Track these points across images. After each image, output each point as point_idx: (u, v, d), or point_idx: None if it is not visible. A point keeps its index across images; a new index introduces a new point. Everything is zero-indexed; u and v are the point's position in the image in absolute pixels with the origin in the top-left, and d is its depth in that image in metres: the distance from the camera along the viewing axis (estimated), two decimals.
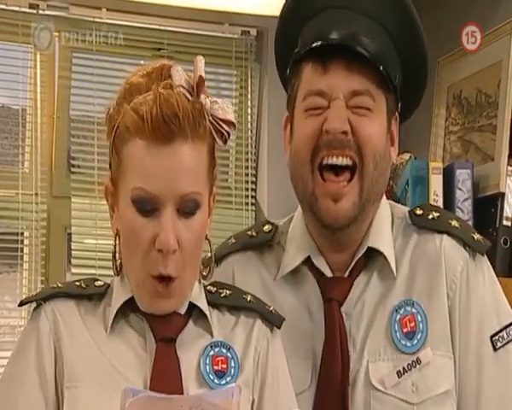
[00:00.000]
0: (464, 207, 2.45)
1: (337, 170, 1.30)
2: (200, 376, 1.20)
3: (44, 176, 2.80)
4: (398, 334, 1.31)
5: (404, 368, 1.29)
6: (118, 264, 1.22)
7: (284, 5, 1.40)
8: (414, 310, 1.31)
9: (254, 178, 3.06)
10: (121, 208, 1.16)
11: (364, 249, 1.34)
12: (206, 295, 1.25)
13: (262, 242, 1.42)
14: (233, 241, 1.46)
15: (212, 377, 1.19)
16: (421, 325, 1.30)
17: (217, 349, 1.21)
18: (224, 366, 1.21)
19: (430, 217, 1.37)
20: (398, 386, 1.29)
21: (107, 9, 2.85)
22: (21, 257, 2.76)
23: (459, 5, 2.65)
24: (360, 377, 1.30)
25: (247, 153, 3.06)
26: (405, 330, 1.31)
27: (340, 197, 1.29)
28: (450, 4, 2.69)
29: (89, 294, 1.22)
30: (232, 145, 3.05)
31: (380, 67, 1.29)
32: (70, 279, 2.83)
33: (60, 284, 1.26)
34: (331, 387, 1.29)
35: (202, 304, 1.23)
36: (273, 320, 1.28)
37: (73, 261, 2.79)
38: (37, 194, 2.77)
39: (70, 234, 2.81)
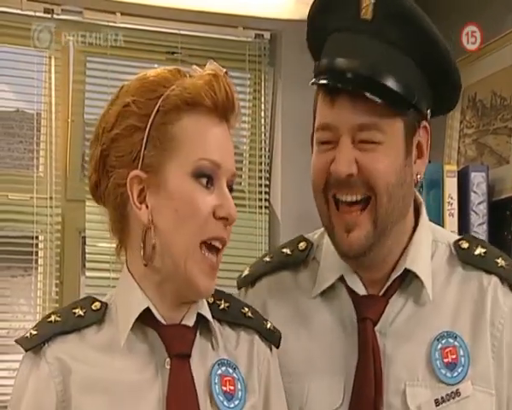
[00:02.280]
0: (479, 211, 2.44)
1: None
2: (210, 396, 1.18)
3: (59, 180, 2.81)
4: (438, 362, 1.29)
5: (442, 398, 1.27)
6: (145, 255, 1.18)
7: (310, 8, 1.37)
8: (456, 343, 1.30)
9: (268, 182, 3.06)
10: (173, 186, 1.15)
11: (401, 270, 1.32)
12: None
13: (297, 261, 1.41)
14: (267, 260, 1.44)
15: (221, 399, 1.19)
16: (462, 359, 1.29)
17: (223, 368, 1.21)
18: (232, 387, 1.20)
19: (476, 253, 1.35)
20: None
21: (122, 13, 2.86)
22: (36, 261, 2.77)
23: (473, 7, 2.63)
24: (396, 399, 1.28)
25: (261, 156, 3.05)
26: (446, 360, 1.29)
27: (353, 228, 1.28)
28: (464, 6, 2.67)
29: (87, 324, 1.19)
30: (246, 148, 3.06)
31: (382, 101, 1.25)
32: (84, 282, 2.84)
33: (56, 318, 1.20)
34: (364, 407, 1.28)
35: (208, 315, 1.22)
36: (271, 339, 1.28)
37: (88, 265, 2.80)
38: (51, 198, 2.78)
39: (84, 237, 2.82)
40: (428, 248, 1.36)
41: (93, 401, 1.14)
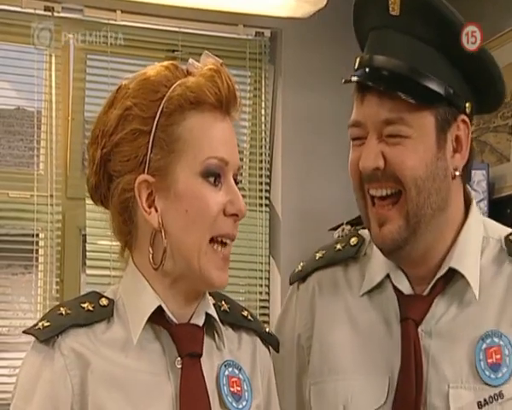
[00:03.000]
0: (479, 208, 2.43)
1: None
2: (219, 396, 1.19)
3: (59, 178, 2.81)
4: (482, 363, 1.27)
5: (485, 400, 1.26)
6: (153, 257, 1.17)
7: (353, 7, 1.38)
8: (501, 342, 1.28)
9: (268, 180, 3.06)
10: (183, 187, 1.15)
11: (446, 269, 1.31)
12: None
13: (347, 256, 1.40)
14: (319, 255, 1.44)
15: (230, 400, 1.19)
16: (507, 359, 1.27)
17: (230, 369, 1.21)
18: (239, 388, 1.20)
19: None
20: None
21: (122, 11, 2.86)
22: (37, 258, 2.78)
23: (473, 5, 2.63)
24: (439, 401, 1.27)
25: (261, 154, 3.05)
26: (490, 361, 1.27)
27: (386, 221, 1.28)
28: (464, 5, 2.67)
29: (98, 320, 1.17)
30: (246, 146, 3.06)
31: (413, 100, 1.25)
32: (85, 280, 2.85)
33: (67, 311, 1.18)
34: (406, 406, 1.27)
35: (215, 314, 1.22)
36: (271, 342, 1.29)
37: (88, 262, 2.80)
38: (52, 196, 2.78)
39: (85, 235, 2.83)
40: (478, 245, 1.34)
41: (112, 397, 1.13)
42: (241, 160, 3.04)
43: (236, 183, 1.19)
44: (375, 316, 1.34)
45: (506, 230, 1.39)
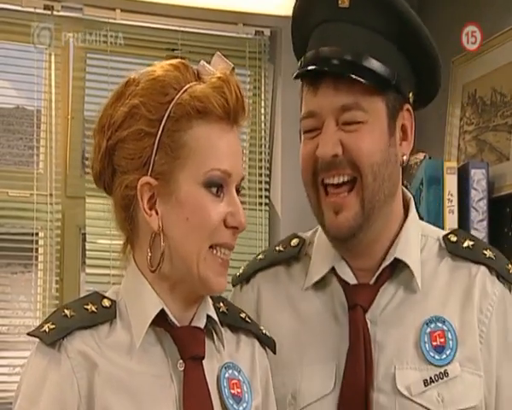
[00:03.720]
0: (479, 207, 2.44)
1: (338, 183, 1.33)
2: (220, 398, 1.19)
3: (59, 177, 2.81)
4: (427, 345, 1.32)
5: (431, 378, 1.31)
6: (151, 261, 1.17)
7: (293, 8, 1.41)
8: (445, 327, 1.34)
9: (268, 179, 3.06)
10: (185, 194, 1.15)
11: (391, 260, 1.36)
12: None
13: (289, 256, 1.44)
14: (261, 257, 1.48)
15: (231, 402, 1.19)
16: (450, 343, 1.33)
17: (230, 371, 1.21)
18: (239, 390, 1.21)
19: (465, 245, 1.40)
20: (423, 394, 1.30)
21: (121, 10, 2.86)
22: (36, 257, 2.77)
23: (473, 3, 2.63)
24: (386, 383, 1.31)
25: (261, 153, 3.05)
26: (435, 343, 1.33)
27: (342, 209, 1.32)
28: (464, 3, 2.67)
29: (101, 322, 1.17)
30: (246, 145, 3.05)
31: (366, 81, 1.29)
32: (84, 279, 2.84)
33: (72, 313, 1.17)
34: (355, 391, 1.30)
35: (215, 317, 1.23)
36: (268, 344, 1.30)
37: (88, 262, 2.80)
38: (51, 194, 2.78)
39: (84, 234, 2.82)
40: (418, 241, 1.40)
41: (118, 400, 1.13)
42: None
43: (238, 192, 1.19)
44: (320, 307, 1.37)
45: (441, 231, 1.46)
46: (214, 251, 1.16)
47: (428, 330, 1.33)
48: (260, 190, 3.04)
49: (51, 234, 2.77)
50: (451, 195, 2.46)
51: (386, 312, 1.35)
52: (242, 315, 1.30)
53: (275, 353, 1.31)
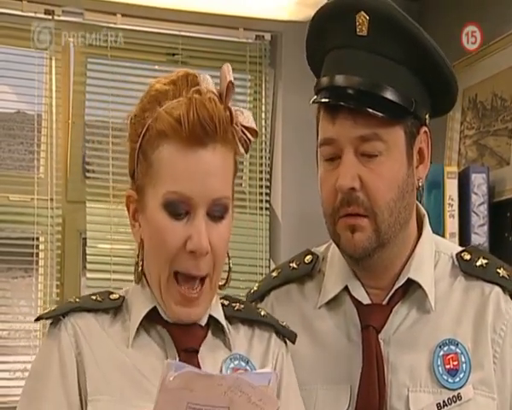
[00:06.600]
0: (480, 212, 2.44)
1: None
2: None
3: (59, 181, 2.81)
4: (440, 369, 1.32)
5: (444, 401, 1.31)
6: (139, 271, 1.21)
7: (308, 27, 1.39)
8: (458, 350, 1.33)
9: (268, 183, 3.06)
10: (149, 213, 1.16)
11: (405, 280, 1.35)
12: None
13: (303, 274, 1.44)
14: (275, 275, 1.48)
15: None
16: (464, 366, 1.32)
17: (236, 362, 1.22)
18: None
19: (478, 264, 1.38)
20: None
21: (122, 15, 2.86)
22: (37, 262, 2.78)
23: (474, 8, 2.63)
24: (400, 404, 1.31)
25: (261, 157, 3.05)
26: (448, 366, 1.32)
27: (357, 229, 1.32)
28: (465, 7, 2.68)
29: (105, 308, 1.22)
30: None
31: (383, 115, 1.28)
32: (85, 284, 2.85)
33: (76, 299, 1.24)
34: None
35: (220, 316, 1.24)
36: (287, 335, 1.29)
37: (88, 266, 2.80)
38: (52, 199, 2.78)
39: (85, 239, 2.82)
40: (431, 258, 1.39)
41: (104, 385, 1.16)
42: (242, 163, 3.05)
43: (217, 216, 1.15)
44: (333, 327, 1.37)
45: (456, 247, 1.45)
46: (180, 282, 1.16)
47: (441, 353, 1.33)
48: (261, 194, 3.04)
49: (52, 238, 2.77)
50: (452, 199, 2.46)
51: (399, 332, 1.35)
52: (259, 311, 1.30)
53: (294, 343, 1.30)
